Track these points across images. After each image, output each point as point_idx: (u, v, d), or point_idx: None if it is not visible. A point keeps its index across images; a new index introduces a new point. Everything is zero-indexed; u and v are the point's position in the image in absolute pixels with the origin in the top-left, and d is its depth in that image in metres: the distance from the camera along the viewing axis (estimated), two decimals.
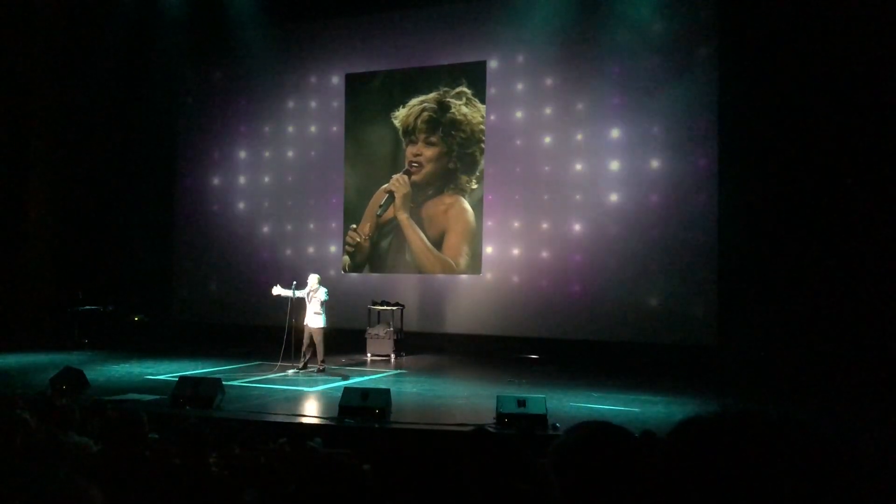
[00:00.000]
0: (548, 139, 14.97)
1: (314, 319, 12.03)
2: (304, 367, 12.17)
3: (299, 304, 12.16)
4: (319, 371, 12.07)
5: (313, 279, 12.21)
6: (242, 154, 17.57)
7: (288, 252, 16.97)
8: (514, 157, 15.26)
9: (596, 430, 1.76)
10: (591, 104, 14.66)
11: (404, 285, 15.77)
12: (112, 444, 3.92)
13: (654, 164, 14.06)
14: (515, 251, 15.15)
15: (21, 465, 3.35)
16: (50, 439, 4.28)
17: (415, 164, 15.96)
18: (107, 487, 3.27)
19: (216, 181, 17.78)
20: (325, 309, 12.13)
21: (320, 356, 12.13)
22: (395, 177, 16.14)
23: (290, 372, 12.06)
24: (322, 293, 12.09)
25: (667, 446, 1.00)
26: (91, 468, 3.66)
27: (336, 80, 16.75)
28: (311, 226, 16.91)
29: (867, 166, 11.94)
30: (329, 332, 12.36)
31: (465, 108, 15.61)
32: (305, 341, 12.15)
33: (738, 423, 0.97)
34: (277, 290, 12.28)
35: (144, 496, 3.44)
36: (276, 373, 12.02)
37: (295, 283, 12.25)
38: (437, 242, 15.75)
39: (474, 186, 15.53)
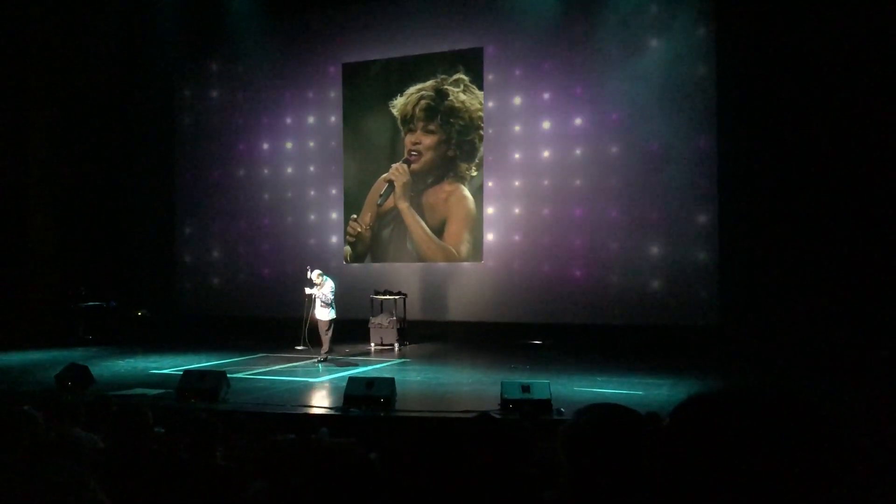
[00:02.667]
0: (547, 124, 14.93)
1: (321, 312, 12.37)
2: (326, 359, 12.44)
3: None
4: (320, 362, 12.23)
5: (314, 274, 12.52)
6: (241, 146, 17.54)
7: (289, 243, 16.97)
8: (514, 144, 15.22)
9: (606, 412, 1.77)
10: (590, 88, 14.60)
11: (406, 274, 15.78)
12: (118, 439, 3.93)
13: (654, 145, 14.01)
14: (516, 237, 15.14)
15: (29, 462, 3.35)
16: (57, 436, 4.29)
17: (414, 153, 15.93)
18: (113, 482, 3.28)
19: (216, 174, 17.74)
20: (333, 301, 12.45)
21: (325, 347, 12.37)
22: (394, 166, 16.11)
23: (315, 360, 12.33)
24: (327, 287, 12.38)
25: (669, 426, 1.01)
26: (98, 463, 3.67)
27: (333, 69, 16.69)
28: (312, 217, 16.90)
29: (871, 143, 11.89)
30: (337, 324, 12.62)
31: (463, 94, 15.56)
32: (321, 331, 12.48)
33: (736, 401, 0.97)
34: (308, 290, 12.60)
35: (151, 490, 3.46)
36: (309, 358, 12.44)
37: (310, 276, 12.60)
38: (438, 231, 15.75)
39: (474, 174, 15.50)
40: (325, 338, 12.37)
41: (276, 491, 3.63)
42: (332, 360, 12.37)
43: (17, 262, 16.48)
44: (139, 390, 9.66)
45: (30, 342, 14.84)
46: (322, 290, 12.34)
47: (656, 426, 1.61)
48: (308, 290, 12.53)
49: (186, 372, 9.54)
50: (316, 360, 12.31)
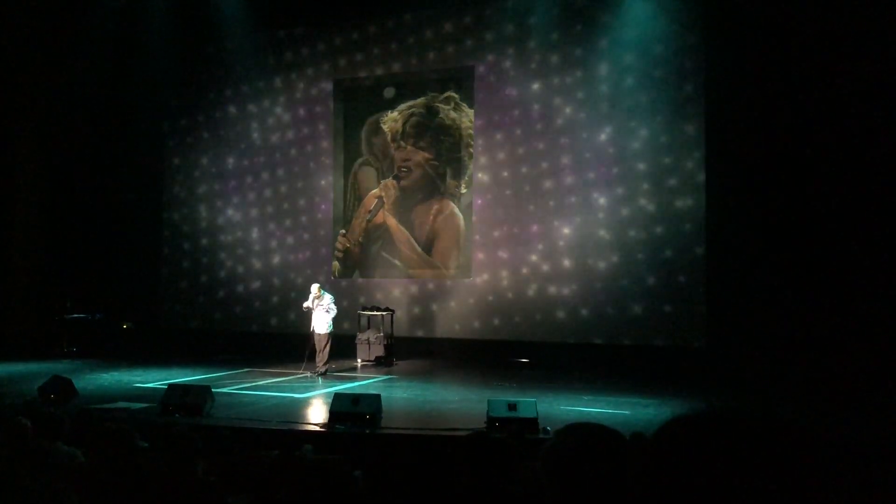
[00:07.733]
0: (536, 143, 14.99)
1: (319, 326, 12.56)
2: (325, 372, 12.58)
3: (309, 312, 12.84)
4: (320, 375, 12.40)
5: (314, 288, 12.77)
6: (231, 160, 17.50)
7: (277, 259, 16.92)
8: (503, 162, 15.26)
9: (586, 433, 1.76)
10: (579, 109, 14.67)
11: (394, 290, 15.76)
12: (100, 453, 3.89)
13: (642, 166, 14.09)
14: (504, 255, 15.14)
15: (10, 474, 3.32)
16: (38, 449, 4.25)
17: (404, 169, 15.95)
18: (95, 497, 3.25)
19: (204, 188, 17.70)
20: (331, 315, 12.68)
21: (322, 360, 12.51)
22: (384, 182, 16.12)
23: (308, 374, 12.48)
24: (326, 301, 12.66)
25: (652, 447, 1.01)
26: (79, 478, 3.63)
27: (325, 85, 16.73)
28: (301, 231, 16.86)
29: (860, 159, 11.94)
30: (334, 338, 12.80)
31: (454, 112, 15.61)
32: (316, 347, 12.61)
33: (720, 422, 0.98)
34: (306, 304, 12.83)
35: None
36: (298, 374, 12.53)
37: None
38: (427, 247, 15.74)
39: (463, 191, 15.53)
40: (324, 351, 12.50)
41: None
42: (320, 375, 12.36)
43: (2, 273, 16.35)
44: (122, 404, 9.58)
45: (14, 353, 14.70)
46: (322, 303, 12.55)
47: (641, 446, 1.61)
48: (306, 304, 12.74)
49: (171, 386, 9.47)
50: (313, 373, 12.44)
